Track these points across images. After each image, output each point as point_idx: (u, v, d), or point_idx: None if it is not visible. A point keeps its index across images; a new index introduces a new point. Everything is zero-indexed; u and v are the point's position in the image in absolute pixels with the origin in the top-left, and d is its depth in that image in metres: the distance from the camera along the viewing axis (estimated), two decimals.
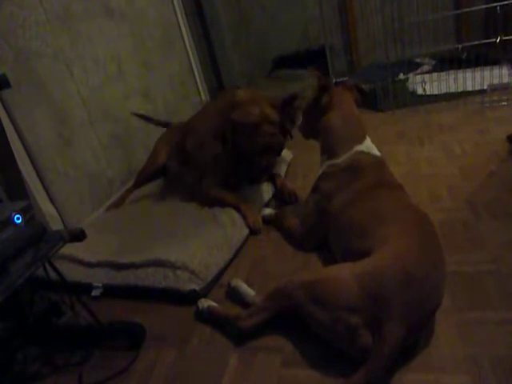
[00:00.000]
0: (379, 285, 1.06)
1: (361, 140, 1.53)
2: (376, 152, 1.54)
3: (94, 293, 1.62)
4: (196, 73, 3.46)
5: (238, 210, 1.84)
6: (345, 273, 1.13)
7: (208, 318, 1.38)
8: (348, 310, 1.06)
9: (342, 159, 1.52)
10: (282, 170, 2.27)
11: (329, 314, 1.09)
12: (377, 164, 1.50)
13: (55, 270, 1.26)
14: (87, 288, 1.64)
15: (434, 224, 1.28)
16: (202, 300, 1.43)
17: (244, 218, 1.82)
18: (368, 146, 1.54)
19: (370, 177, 1.44)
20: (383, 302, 1.03)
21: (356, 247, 1.28)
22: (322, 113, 1.60)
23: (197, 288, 1.48)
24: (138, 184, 2.34)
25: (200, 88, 3.52)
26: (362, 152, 1.51)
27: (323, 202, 1.52)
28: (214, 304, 1.40)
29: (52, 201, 2.00)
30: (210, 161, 1.99)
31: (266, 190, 2.05)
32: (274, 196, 2.07)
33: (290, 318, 1.21)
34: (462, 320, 1.16)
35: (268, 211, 1.90)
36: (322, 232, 1.55)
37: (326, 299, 1.10)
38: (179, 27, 3.28)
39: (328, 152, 1.58)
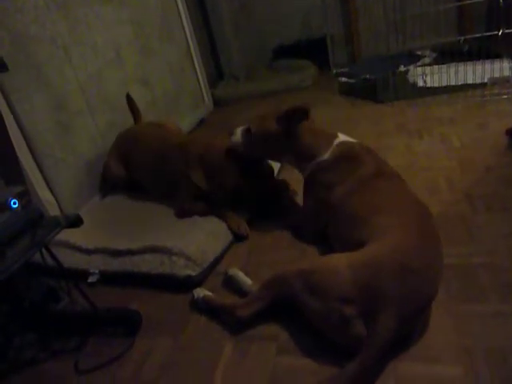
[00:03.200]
0: (374, 276, 1.06)
1: (335, 136, 1.57)
2: (353, 140, 1.58)
3: (91, 279, 1.62)
4: (195, 60, 3.43)
5: (219, 217, 1.75)
6: (341, 263, 1.13)
7: (203, 307, 1.38)
8: (342, 301, 1.06)
9: (327, 155, 1.53)
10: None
11: (323, 304, 1.09)
12: (364, 148, 1.53)
13: (52, 255, 1.26)
14: (84, 274, 1.64)
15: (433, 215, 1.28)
16: (198, 289, 1.43)
17: (227, 224, 1.72)
18: (343, 137, 1.57)
19: (368, 162, 1.46)
20: (377, 293, 1.04)
21: (355, 238, 1.27)
22: (293, 136, 1.57)
23: (192, 274, 1.48)
24: None
25: (199, 76, 3.49)
26: (343, 142, 1.55)
27: (323, 193, 1.52)
28: (209, 293, 1.40)
29: (49, 187, 1.99)
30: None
31: None
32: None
33: (285, 306, 1.22)
34: (456, 311, 1.16)
35: None
36: (322, 223, 1.54)
37: (321, 289, 1.11)
38: (179, 14, 3.24)
39: (307, 158, 1.57)
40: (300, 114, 1.55)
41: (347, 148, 1.52)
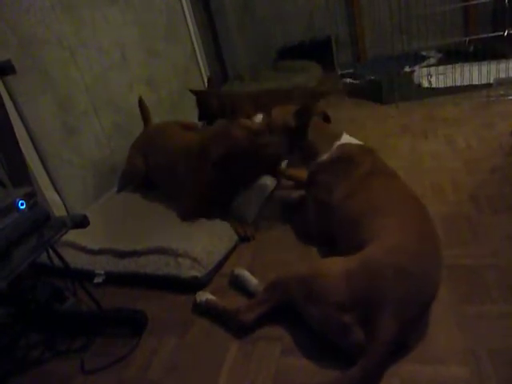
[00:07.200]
0: (370, 281, 1.05)
1: (338, 137, 1.57)
2: (358, 141, 1.58)
3: (97, 280, 1.63)
4: (200, 61, 3.44)
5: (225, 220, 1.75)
6: (336, 268, 1.12)
7: (206, 311, 1.37)
8: (339, 308, 1.05)
9: (326, 156, 1.54)
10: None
11: (321, 311, 1.09)
12: (365, 149, 1.53)
13: (58, 256, 1.27)
14: (90, 275, 1.65)
15: (433, 216, 1.28)
16: (200, 293, 1.42)
17: (233, 229, 1.73)
18: (347, 138, 1.58)
19: (365, 163, 1.45)
20: (375, 299, 1.03)
21: (356, 239, 1.26)
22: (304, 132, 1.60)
23: (198, 275, 1.49)
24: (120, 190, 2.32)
25: (204, 77, 3.49)
26: (343, 144, 1.55)
27: (323, 196, 1.51)
28: (212, 297, 1.38)
29: (56, 188, 2.01)
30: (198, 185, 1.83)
31: (263, 190, 2.01)
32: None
33: (290, 307, 1.22)
34: (461, 313, 1.16)
35: (297, 194, 1.89)
36: (327, 226, 1.52)
37: (318, 296, 1.10)
38: (184, 15, 3.25)
39: (310, 156, 1.59)
40: (311, 111, 1.58)
41: (345, 150, 1.53)
